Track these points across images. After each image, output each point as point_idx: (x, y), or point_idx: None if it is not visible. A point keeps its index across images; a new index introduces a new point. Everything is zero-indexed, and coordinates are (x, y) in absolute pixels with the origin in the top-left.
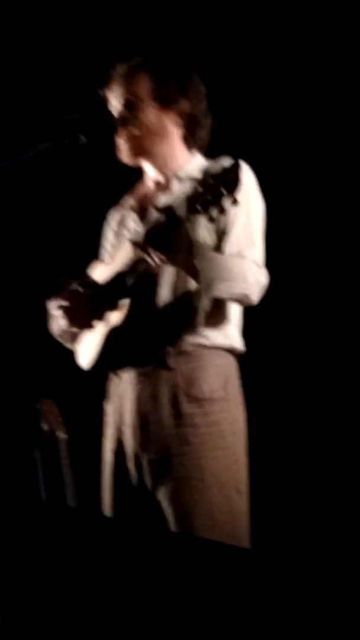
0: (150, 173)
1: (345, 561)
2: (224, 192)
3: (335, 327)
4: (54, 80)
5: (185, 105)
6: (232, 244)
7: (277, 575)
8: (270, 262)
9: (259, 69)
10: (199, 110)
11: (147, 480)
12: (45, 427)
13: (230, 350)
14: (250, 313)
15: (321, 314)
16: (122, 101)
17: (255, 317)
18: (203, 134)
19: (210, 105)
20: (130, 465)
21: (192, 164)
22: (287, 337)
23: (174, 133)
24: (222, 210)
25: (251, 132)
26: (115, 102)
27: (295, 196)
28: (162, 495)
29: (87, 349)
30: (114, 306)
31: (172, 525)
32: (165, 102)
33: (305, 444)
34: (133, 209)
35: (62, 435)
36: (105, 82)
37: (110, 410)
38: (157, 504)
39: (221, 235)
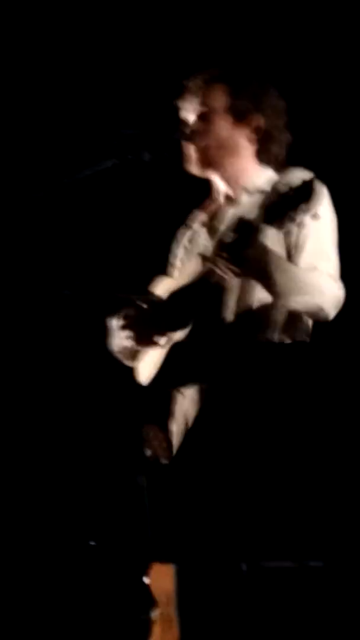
0: (220, 186)
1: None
2: (304, 205)
3: None
4: (115, 95)
5: (259, 120)
6: (305, 257)
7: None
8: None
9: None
10: (274, 126)
11: None
12: (149, 453)
13: None
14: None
15: None
16: (195, 112)
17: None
18: (278, 149)
19: (289, 120)
20: None
21: (261, 177)
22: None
23: (246, 148)
24: (300, 224)
25: (327, 145)
26: (188, 113)
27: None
28: None
29: (147, 365)
30: (178, 322)
31: None
32: (239, 117)
33: None
34: (203, 224)
35: (165, 461)
36: (179, 93)
37: (174, 429)
38: None
39: (292, 248)
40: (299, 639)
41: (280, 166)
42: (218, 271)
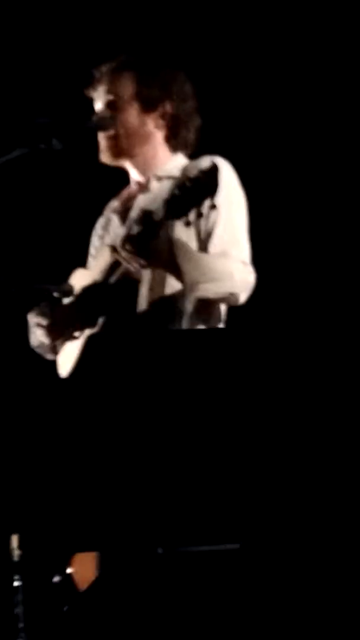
0: (133, 174)
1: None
2: (202, 196)
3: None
4: (26, 84)
5: (168, 106)
6: (215, 243)
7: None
8: (256, 260)
9: (249, 65)
10: (183, 111)
11: None
12: None
13: None
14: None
15: (311, 312)
16: (104, 101)
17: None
18: (187, 134)
19: (198, 104)
20: None
21: (171, 162)
22: (274, 335)
23: (156, 135)
24: (199, 215)
25: (235, 129)
26: (98, 102)
27: (277, 193)
28: None
29: (67, 358)
30: (92, 313)
31: None
32: (147, 104)
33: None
34: (115, 211)
35: None
36: (88, 82)
37: None
38: None
39: (202, 236)
40: (217, 622)
41: (191, 150)
42: (124, 263)
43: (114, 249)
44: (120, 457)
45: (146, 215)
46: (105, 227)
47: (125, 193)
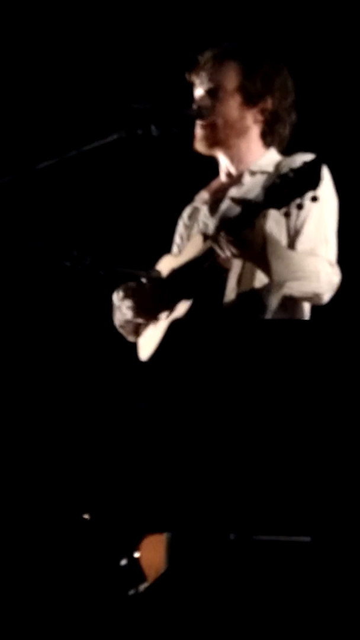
0: (224, 165)
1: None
2: (305, 187)
3: None
4: (128, 68)
5: (269, 103)
6: (305, 241)
7: None
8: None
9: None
10: (282, 108)
11: None
12: None
13: None
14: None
15: None
16: (205, 88)
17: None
18: (283, 130)
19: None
20: None
21: (265, 158)
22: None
23: (253, 129)
24: (300, 206)
25: (331, 128)
26: (199, 88)
27: None
28: None
29: (148, 341)
30: (178, 299)
31: None
32: (249, 99)
33: None
34: (205, 202)
35: None
36: (191, 67)
37: None
38: None
39: (291, 231)
40: (284, 612)
41: (284, 146)
42: (217, 250)
43: (206, 236)
44: (197, 442)
45: (243, 204)
46: (193, 217)
47: (215, 184)
